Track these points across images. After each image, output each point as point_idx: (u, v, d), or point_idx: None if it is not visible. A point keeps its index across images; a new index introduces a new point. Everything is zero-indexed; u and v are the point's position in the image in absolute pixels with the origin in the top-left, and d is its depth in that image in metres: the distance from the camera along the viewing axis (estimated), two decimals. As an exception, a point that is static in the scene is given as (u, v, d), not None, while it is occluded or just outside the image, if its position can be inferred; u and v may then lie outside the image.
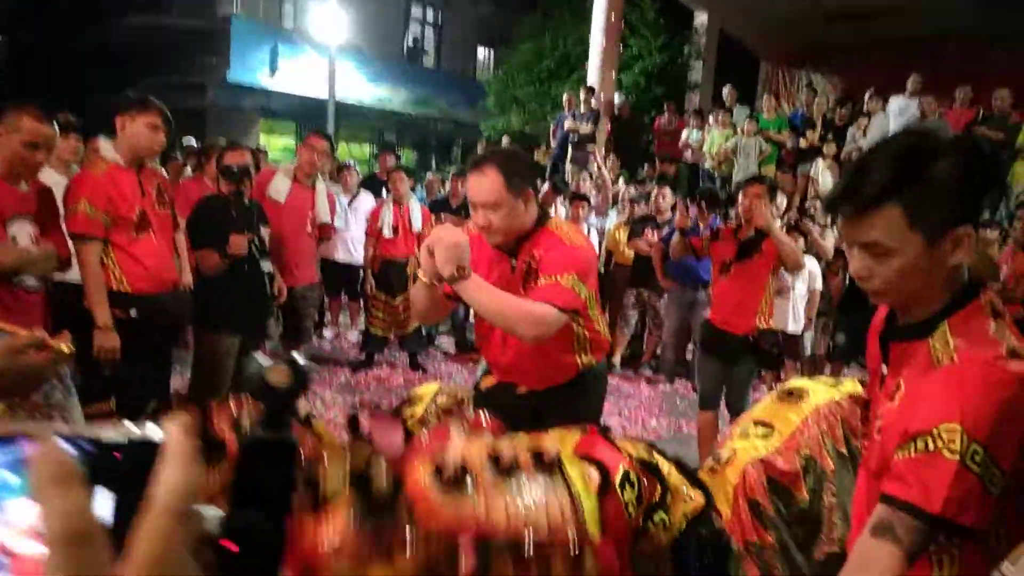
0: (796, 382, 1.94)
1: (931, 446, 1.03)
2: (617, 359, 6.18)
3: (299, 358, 0.81)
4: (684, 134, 9.53)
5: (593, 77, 10.32)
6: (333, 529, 1.09)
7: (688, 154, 9.47)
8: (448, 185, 7.07)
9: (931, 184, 1.10)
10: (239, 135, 12.29)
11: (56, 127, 2.79)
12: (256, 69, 14.01)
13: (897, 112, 8.29)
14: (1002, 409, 1.02)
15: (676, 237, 4.14)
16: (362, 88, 15.44)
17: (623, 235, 6.25)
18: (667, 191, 6.13)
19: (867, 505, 1.23)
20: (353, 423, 1.24)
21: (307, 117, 14.00)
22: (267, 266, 3.95)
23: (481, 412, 1.46)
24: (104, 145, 3.05)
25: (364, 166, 11.48)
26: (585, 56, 10.80)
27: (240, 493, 0.71)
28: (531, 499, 1.23)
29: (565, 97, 9.90)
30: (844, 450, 1.72)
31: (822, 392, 1.84)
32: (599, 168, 7.26)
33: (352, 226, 6.01)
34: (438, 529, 1.13)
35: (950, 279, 1.16)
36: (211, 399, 1.17)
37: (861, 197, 1.13)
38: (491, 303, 2.00)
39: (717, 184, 8.50)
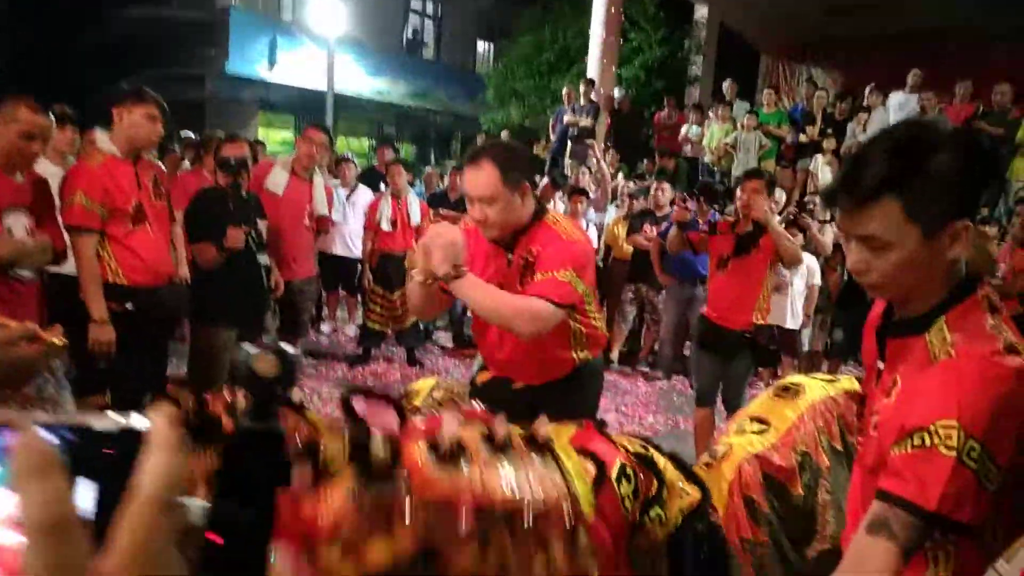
0: (792, 378, 1.94)
1: (928, 442, 1.03)
2: (615, 355, 6.18)
3: (287, 348, 0.80)
4: (684, 129, 9.51)
5: (593, 71, 10.29)
6: (333, 503, 1.10)
7: (688, 149, 9.46)
8: (447, 179, 7.06)
9: (930, 177, 1.09)
10: (238, 128, 12.26)
11: (52, 118, 2.78)
12: (255, 61, 13.96)
13: (897, 107, 8.28)
14: (999, 405, 1.02)
15: (673, 231, 4.13)
16: (361, 81, 15.40)
17: (622, 230, 6.23)
18: (666, 186, 6.12)
19: (862, 502, 1.23)
20: (347, 405, 1.24)
21: (306, 110, 13.96)
22: (264, 259, 3.94)
23: (475, 402, 1.46)
24: (100, 137, 3.03)
25: (363, 159, 11.44)
26: (585, 50, 10.77)
27: (226, 484, 0.70)
28: (525, 475, 1.24)
29: (564, 91, 9.88)
30: (839, 446, 1.71)
31: (818, 388, 1.83)
32: (598, 162, 7.24)
33: (350, 220, 5.99)
34: (436, 499, 1.14)
35: (948, 273, 1.15)
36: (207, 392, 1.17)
37: (859, 189, 1.12)
38: (487, 301, 1.99)
39: (716, 179, 8.49)
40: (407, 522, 1.10)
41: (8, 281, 2.69)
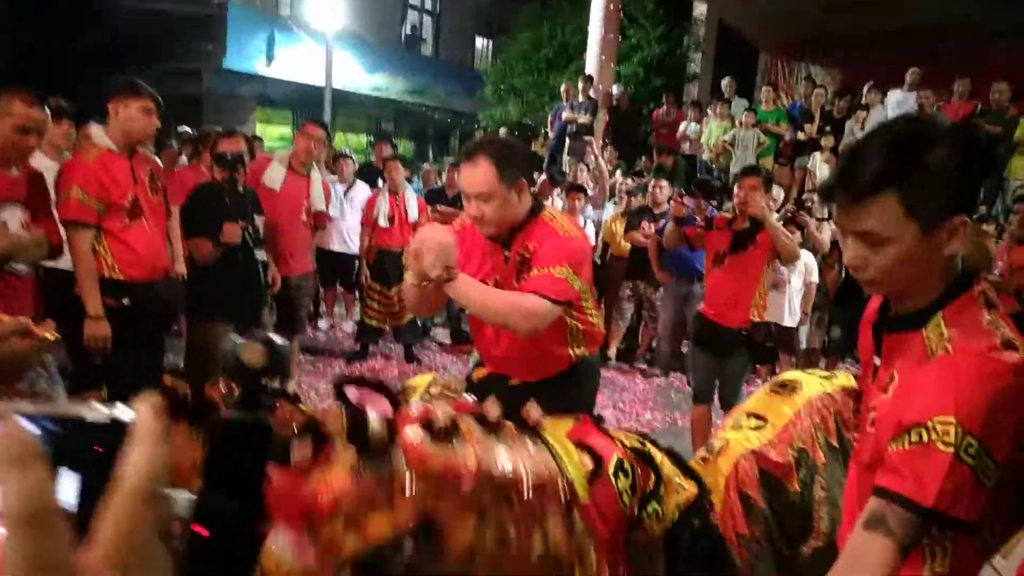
0: (789, 374, 1.93)
1: (925, 438, 1.03)
2: (612, 352, 6.17)
3: (276, 338, 0.79)
4: (682, 126, 9.51)
5: (591, 68, 10.27)
6: (333, 480, 1.11)
7: (686, 146, 9.46)
8: (445, 175, 7.04)
9: (928, 172, 1.08)
10: (236, 123, 12.20)
11: (47, 111, 2.77)
12: (252, 56, 13.91)
13: (895, 105, 8.28)
14: (996, 400, 1.02)
15: (670, 226, 4.12)
16: (359, 77, 15.35)
17: (620, 227, 6.23)
18: (664, 183, 6.11)
19: (858, 499, 1.22)
20: (341, 393, 1.25)
21: (304, 105, 13.92)
22: (261, 255, 3.93)
23: (466, 395, 1.46)
24: (96, 131, 3.02)
25: (361, 156, 11.42)
26: (584, 46, 10.75)
27: (212, 476, 0.69)
28: (518, 453, 1.26)
29: (563, 88, 9.86)
30: (836, 443, 1.71)
31: (815, 385, 1.83)
32: (596, 159, 7.23)
33: (348, 216, 5.98)
34: (433, 473, 1.15)
35: (945, 269, 1.15)
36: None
37: (857, 185, 1.11)
38: (482, 299, 1.99)
39: (715, 176, 8.48)
40: (406, 495, 1.11)
41: (3, 275, 2.67)
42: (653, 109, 10.45)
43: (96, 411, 0.48)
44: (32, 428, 0.44)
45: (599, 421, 1.63)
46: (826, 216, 5.69)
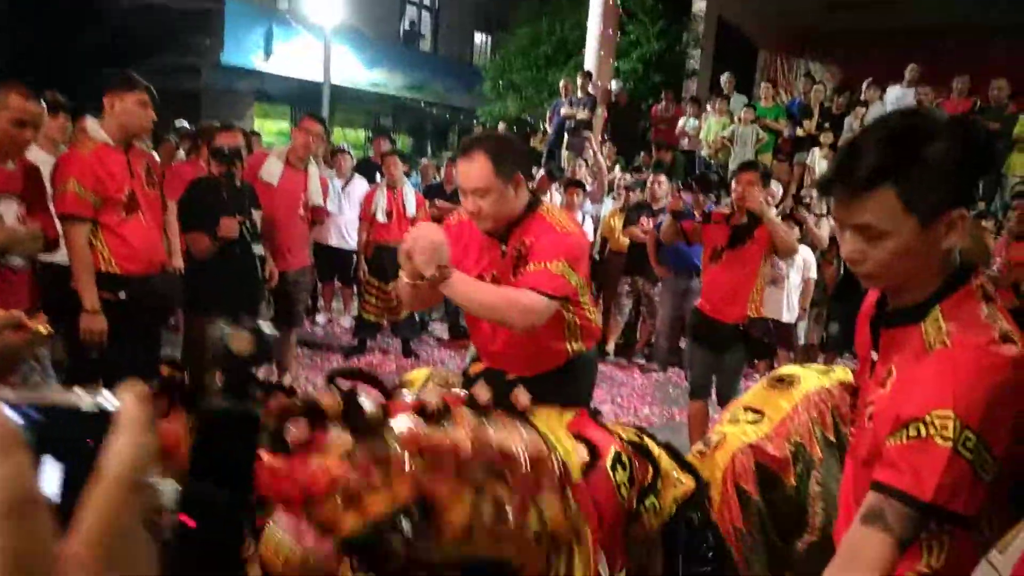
0: (787, 369, 1.93)
1: (923, 432, 1.03)
2: (611, 347, 6.17)
3: (264, 327, 0.78)
4: (681, 122, 9.49)
5: (590, 63, 10.25)
6: (329, 461, 1.12)
7: (685, 142, 9.44)
8: (443, 171, 7.03)
9: (926, 165, 1.08)
10: (233, 118, 12.17)
11: (43, 105, 2.75)
12: (250, 52, 13.87)
13: (894, 101, 8.27)
14: (995, 394, 1.02)
15: (667, 220, 4.11)
16: (357, 72, 15.31)
17: (618, 222, 6.22)
18: (663, 179, 6.10)
19: (855, 493, 1.22)
20: (333, 383, 1.26)
21: (302, 101, 13.87)
22: (259, 249, 3.92)
23: (456, 389, 1.47)
24: (91, 125, 3.00)
25: (359, 151, 11.39)
26: (582, 42, 10.73)
27: (199, 465, 0.68)
28: (509, 434, 1.27)
29: (562, 83, 9.85)
30: (833, 437, 1.71)
31: (813, 379, 1.83)
32: (595, 155, 7.22)
33: (346, 211, 5.97)
34: (427, 451, 1.16)
35: (942, 263, 1.14)
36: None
37: (855, 178, 1.11)
38: (477, 297, 1.99)
39: (717, 180, 8.47)
40: (402, 474, 1.13)
41: (-1, 269, 2.67)
42: (652, 105, 10.42)
43: (80, 399, 0.47)
44: (14, 416, 0.43)
45: (596, 415, 1.62)
46: (825, 212, 5.68)
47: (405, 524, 1.08)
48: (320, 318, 6.60)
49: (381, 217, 5.53)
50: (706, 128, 9.08)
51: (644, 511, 1.50)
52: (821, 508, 1.65)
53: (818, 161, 8.15)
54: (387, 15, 16.48)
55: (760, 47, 12.23)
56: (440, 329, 6.67)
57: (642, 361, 6.16)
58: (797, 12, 10.46)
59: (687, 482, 1.55)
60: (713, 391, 3.82)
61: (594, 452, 1.43)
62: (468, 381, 2.22)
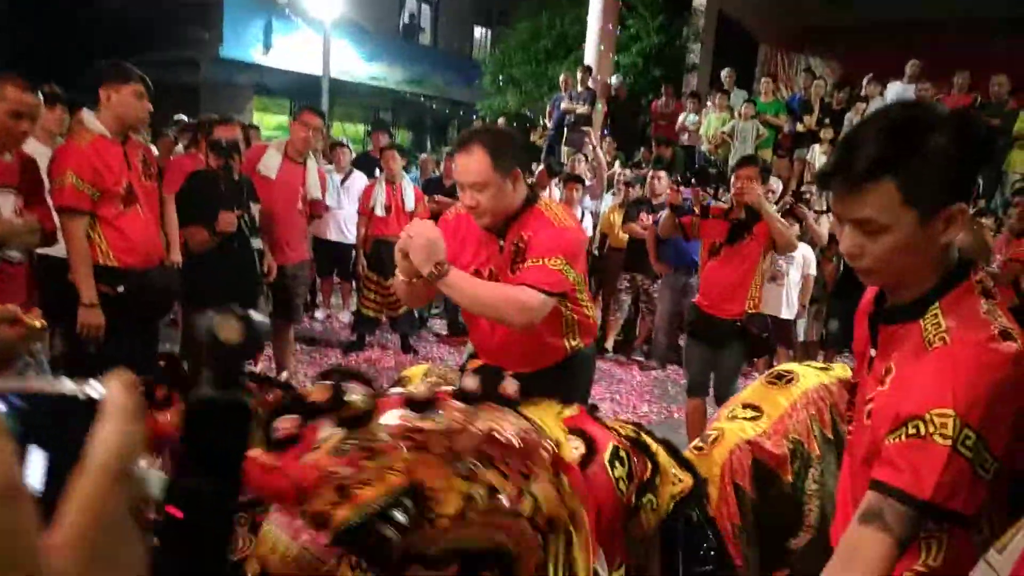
0: (786, 366, 1.93)
1: (923, 431, 1.02)
2: (610, 344, 6.16)
3: (254, 314, 0.77)
4: (681, 117, 9.48)
5: (590, 58, 10.23)
6: (320, 454, 1.13)
7: (685, 137, 9.43)
8: (442, 165, 7.01)
9: (927, 158, 1.07)
10: (233, 112, 12.13)
11: (40, 97, 2.74)
12: (250, 45, 13.82)
13: (895, 97, 8.25)
14: (994, 392, 1.01)
15: (666, 213, 4.10)
16: (357, 66, 15.27)
17: (618, 218, 6.21)
18: (662, 174, 6.08)
19: (852, 491, 1.22)
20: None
21: (302, 94, 13.85)
22: (257, 243, 3.91)
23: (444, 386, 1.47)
24: (88, 117, 2.99)
25: (358, 145, 11.36)
26: (582, 37, 10.70)
27: (187, 456, 0.67)
28: (497, 420, 1.28)
29: (562, 78, 9.82)
30: (831, 435, 1.70)
31: (812, 376, 1.82)
32: (595, 150, 7.20)
33: (344, 205, 5.96)
34: (417, 440, 1.17)
35: (941, 258, 1.13)
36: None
37: (854, 171, 1.09)
38: (475, 293, 1.98)
39: (715, 174, 8.46)
40: (392, 463, 1.13)
41: (-4, 262, 2.66)
42: (652, 100, 10.41)
43: (66, 387, 0.47)
44: None
45: (594, 411, 1.62)
46: (825, 209, 5.66)
47: (399, 515, 1.08)
48: (319, 313, 6.59)
49: (380, 212, 5.52)
50: (706, 123, 9.06)
51: (642, 508, 1.50)
52: (817, 506, 1.64)
53: (818, 157, 8.13)
54: (387, 9, 16.44)
55: (760, 42, 12.21)
56: (439, 325, 6.67)
57: (641, 358, 6.15)
58: (798, 7, 10.44)
59: (685, 479, 1.54)
60: (711, 389, 3.81)
61: (591, 447, 1.43)
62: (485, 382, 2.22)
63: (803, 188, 7.21)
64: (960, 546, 1.05)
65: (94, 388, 0.46)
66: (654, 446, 1.53)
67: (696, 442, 1.81)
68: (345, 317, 6.50)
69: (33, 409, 0.44)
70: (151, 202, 3.16)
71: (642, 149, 9.42)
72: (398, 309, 5.58)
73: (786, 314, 5.19)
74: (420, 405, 1.22)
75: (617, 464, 1.43)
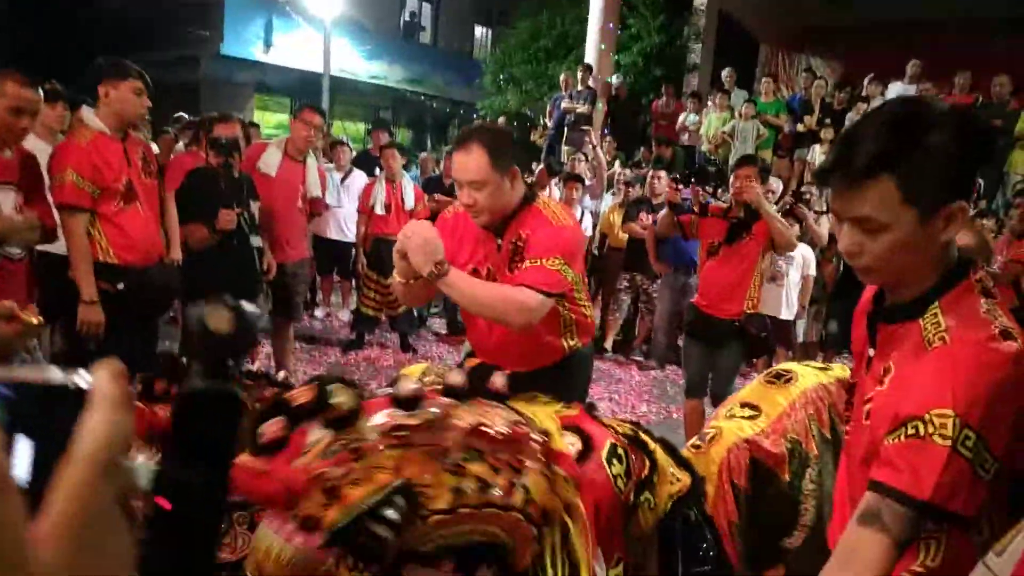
0: (785, 365, 1.92)
1: (922, 431, 1.01)
2: (609, 343, 6.16)
3: (245, 305, 0.76)
4: (681, 117, 9.47)
5: (591, 57, 10.22)
6: (309, 456, 1.13)
7: (685, 137, 9.42)
8: (442, 164, 7.01)
9: (927, 155, 1.05)
10: (233, 110, 12.11)
11: (41, 93, 2.74)
12: (250, 43, 13.83)
13: (896, 98, 8.25)
14: (995, 392, 1.00)
15: (664, 211, 4.09)
16: (357, 64, 15.28)
17: (617, 218, 6.20)
18: (663, 174, 6.07)
19: (849, 491, 1.21)
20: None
21: (302, 93, 13.85)
22: (257, 241, 3.90)
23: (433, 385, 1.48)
24: (88, 114, 2.98)
25: (358, 144, 11.37)
26: (583, 36, 10.69)
27: (177, 447, 0.67)
28: (485, 413, 1.28)
29: (562, 77, 9.82)
30: (829, 435, 1.70)
31: (811, 376, 1.82)
32: (595, 149, 7.19)
33: (344, 203, 5.96)
34: (404, 436, 1.17)
35: (941, 257, 1.13)
36: None
37: (854, 167, 1.08)
38: (473, 293, 1.98)
39: (714, 172, 8.45)
40: (380, 461, 1.13)
41: (-4, 258, 2.66)
42: (652, 99, 10.40)
43: (54, 376, 0.46)
44: None
45: (591, 409, 1.62)
46: (825, 209, 5.66)
47: (390, 513, 1.08)
48: (318, 312, 6.59)
49: (380, 210, 5.52)
50: (706, 123, 9.06)
51: (640, 507, 1.49)
52: (812, 505, 1.64)
53: (818, 157, 8.12)
54: (387, 7, 16.43)
55: (761, 42, 12.19)
56: (438, 324, 6.67)
57: (640, 358, 6.14)
58: (798, 7, 10.42)
59: (683, 479, 1.54)
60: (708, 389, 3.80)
61: (588, 444, 1.43)
62: (472, 377, 2.22)
63: (803, 188, 7.20)
64: (959, 547, 1.04)
65: (82, 377, 0.46)
66: (652, 444, 1.53)
67: (694, 440, 1.81)
68: (345, 315, 6.49)
69: (20, 398, 0.43)
70: (151, 199, 3.16)
71: (642, 149, 9.41)
72: (397, 308, 5.58)
73: (786, 315, 5.19)
74: (407, 403, 1.22)
75: (615, 461, 1.43)
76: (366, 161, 6.73)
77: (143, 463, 0.56)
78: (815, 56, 11.44)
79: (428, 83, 17.00)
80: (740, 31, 11.69)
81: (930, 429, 1.01)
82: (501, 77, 13.91)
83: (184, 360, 1.29)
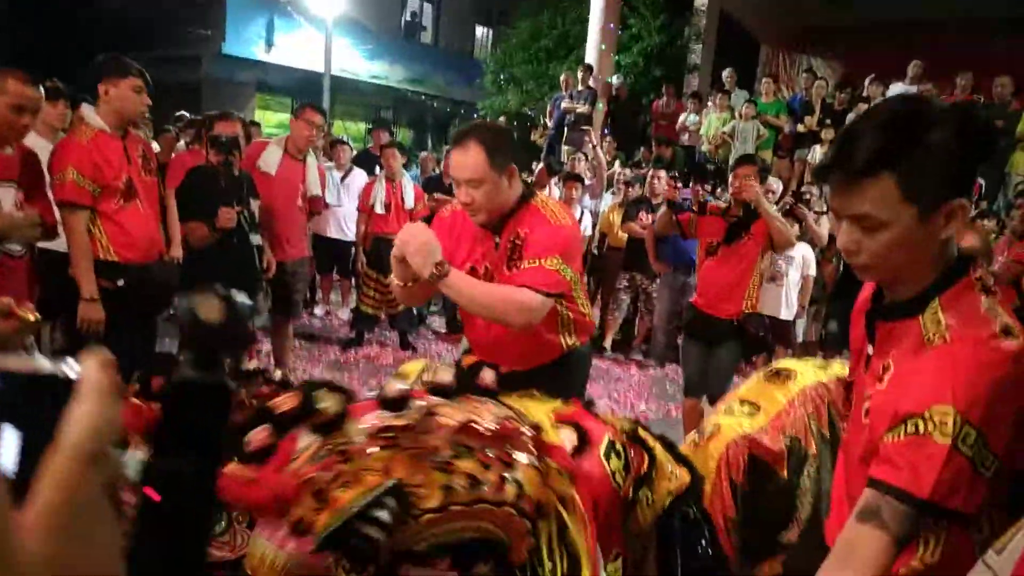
0: (784, 362, 1.92)
1: (922, 429, 1.01)
2: (608, 343, 6.16)
3: (236, 295, 0.76)
4: (681, 117, 9.47)
5: (591, 57, 10.22)
6: (298, 462, 1.13)
7: (685, 137, 9.42)
8: (443, 163, 7.01)
9: (927, 152, 1.05)
10: (234, 110, 12.11)
11: (42, 91, 2.74)
12: (252, 42, 13.83)
13: (896, 99, 8.24)
14: (995, 390, 1.00)
15: (663, 209, 4.08)
16: (358, 64, 15.28)
17: (617, 218, 6.20)
18: (662, 174, 6.07)
19: (847, 489, 1.21)
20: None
21: (303, 92, 13.84)
22: (256, 239, 3.90)
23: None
24: (88, 112, 2.99)
25: (359, 143, 11.37)
26: (584, 36, 10.70)
27: (167, 438, 0.67)
28: (474, 409, 1.28)
29: (563, 77, 9.82)
30: (828, 433, 1.70)
31: (810, 373, 1.82)
32: (595, 149, 7.19)
33: (344, 202, 5.96)
34: (391, 437, 1.17)
35: (941, 254, 1.12)
36: None
37: (853, 164, 1.08)
38: (474, 294, 1.99)
39: (713, 170, 8.45)
40: (368, 463, 1.13)
41: (-4, 255, 2.66)
42: (653, 100, 10.41)
43: (42, 366, 0.46)
44: None
45: (590, 405, 1.62)
46: (825, 209, 5.66)
47: (381, 514, 1.08)
48: (318, 310, 6.59)
49: (380, 209, 5.52)
50: (707, 123, 9.06)
51: (638, 503, 1.49)
52: (809, 502, 1.64)
53: (819, 158, 8.12)
54: (388, 7, 16.43)
55: (762, 42, 12.19)
56: (438, 323, 6.67)
57: (639, 357, 6.15)
58: (798, 7, 10.42)
59: (682, 475, 1.54)
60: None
61: (585, 439, 1.43)
62: (460, 373, 2.22)
63: (803, 189, 7.20)
64: (959, 543, 1.04)
65: (70, 367, 0.46)
66: (651, 441, 1.53)
67: (692, 436, 1.81)
68: (344, 314, 6.49)
69: (7, 387, 0.43)
70: (151, 197, 3.16)
71: (642, 149, 9.41)
72: (397, 306, 5.57)
73: (785, 315, 5.19)
74: (394, 403, 1.22)
75: (613, 456, 1.43)
76: (366, 160, 6.73)
77: (132, 454, 0.55)
78: (816, 56, 11.43)
79: (429, 83, 17.00)
80: (740, 31, 11.69)
81: (930, 426, 1.01)
82: (502, 77, 13.92)
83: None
